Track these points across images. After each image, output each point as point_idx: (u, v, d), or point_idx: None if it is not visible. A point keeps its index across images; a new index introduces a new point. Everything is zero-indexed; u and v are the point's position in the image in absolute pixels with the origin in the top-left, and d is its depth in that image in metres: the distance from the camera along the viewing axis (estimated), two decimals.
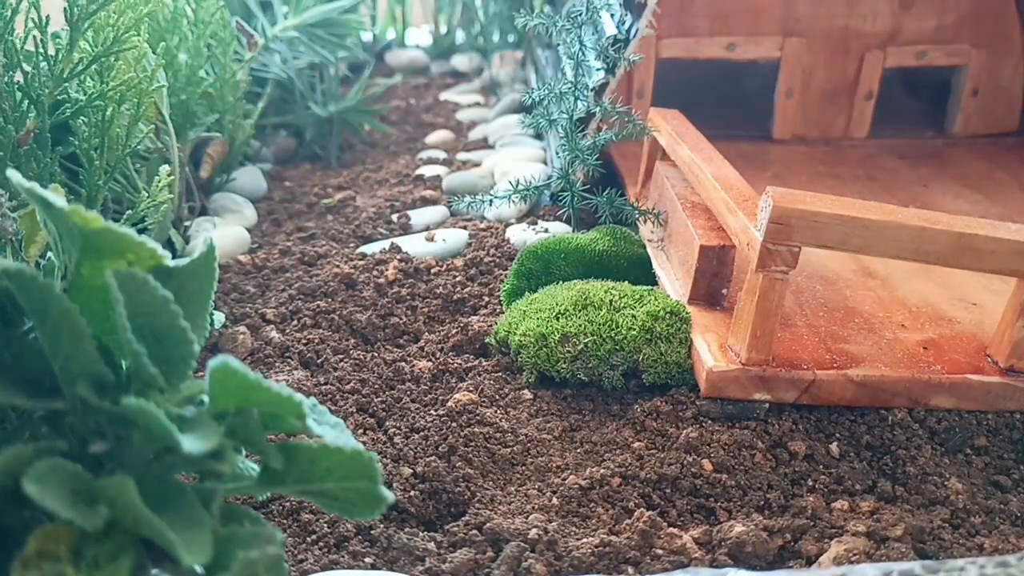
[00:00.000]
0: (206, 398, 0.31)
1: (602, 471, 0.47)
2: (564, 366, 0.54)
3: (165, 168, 0.58)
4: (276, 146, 0.97)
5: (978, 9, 0.87)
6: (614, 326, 0.54)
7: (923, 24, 0.87)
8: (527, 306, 0.57)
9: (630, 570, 0.41)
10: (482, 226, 0.74)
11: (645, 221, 0.67)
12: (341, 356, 0.57)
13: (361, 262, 0.68)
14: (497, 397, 0.53)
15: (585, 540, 0.42)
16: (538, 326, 0.55)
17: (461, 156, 0.93)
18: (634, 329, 0.53)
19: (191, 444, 0.28)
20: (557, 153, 0.82)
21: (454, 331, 0.60)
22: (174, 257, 0.38)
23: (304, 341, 0.58)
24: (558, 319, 0.55)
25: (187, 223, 0.75)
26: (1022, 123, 0.92)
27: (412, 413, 0.52)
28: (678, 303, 0.55)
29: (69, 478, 0.28)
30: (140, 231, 0.51)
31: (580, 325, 0.54)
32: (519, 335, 0.55)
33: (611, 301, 0.55)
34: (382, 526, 0.44)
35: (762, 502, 0.46)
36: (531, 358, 0.54)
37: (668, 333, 0.53)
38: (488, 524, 0.43)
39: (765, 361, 0.50)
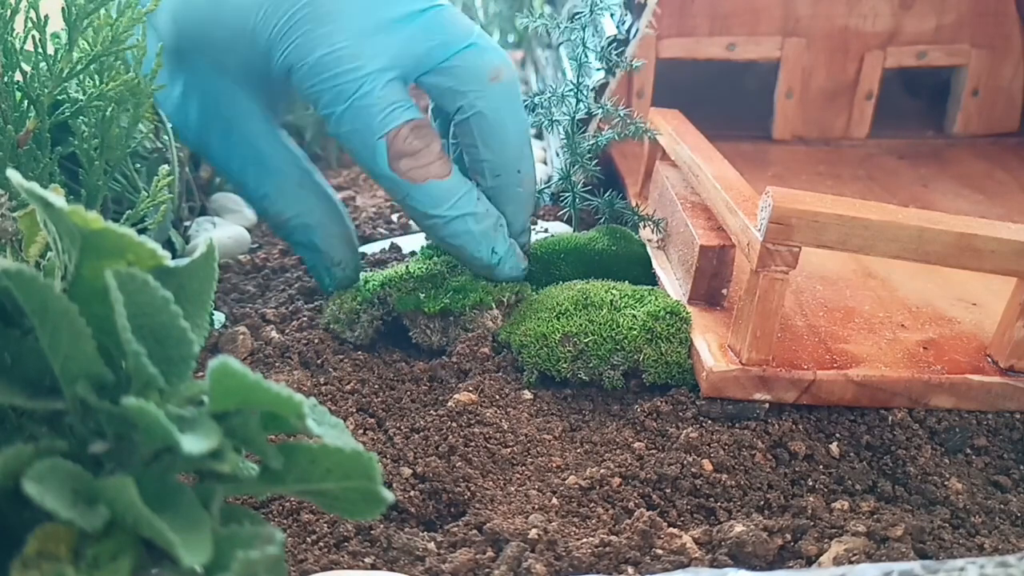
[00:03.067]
0: (206, 398, 0.31)
1: (602, 471, 0.47)
2: (565, 365, 0.54)
3: (164, 168, 0.58)
4: None
5: (978, 9, 0.87)
6: (615, 326, 0.54)
7: (923, 24, 0.87)
8: (527, 306, 0.57)
9: (630, 570, 0.41)
10: None
11: (645, 226, 0.67)
12: (341, 356, 0.57)
13: (361, 262, 0.68)
14: (497, 397, 0.53)
15: (585, 540, 0.42)
16: (538, 326, 0.55)
17: None
18: (635, 329, 0.54)
19: (191, 444, 0.28)
20: (557, 153, 0.82)
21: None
22: (174, 257, 0.38)
23: (304, 341, 0.58)
24: (559, 319, 0.55)
25: (187, 223, 0.75)
26: (1022, 123, 0.92)
27: (412, 413, 0.52)
28: (678, 303, 0.55)
29: (69, 478, 0.28)
30: (140, 231, 0.51)
31: (581, 325, 0.54)
32: (520, 335, 0.55)
33: (611, 301, 0.55)
34: (382, 526, 0.44)
35: (762, 502, 0.46)
36: (532, 358, 0.54)
37: (668, 333, 0.53)
38: (488, 524, 0.43)
39: (765, 361, 0.50)
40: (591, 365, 0.54)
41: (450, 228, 0.54)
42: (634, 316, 0.54)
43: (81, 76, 0.54)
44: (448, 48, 0.52)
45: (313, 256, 0.59)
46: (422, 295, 0.57)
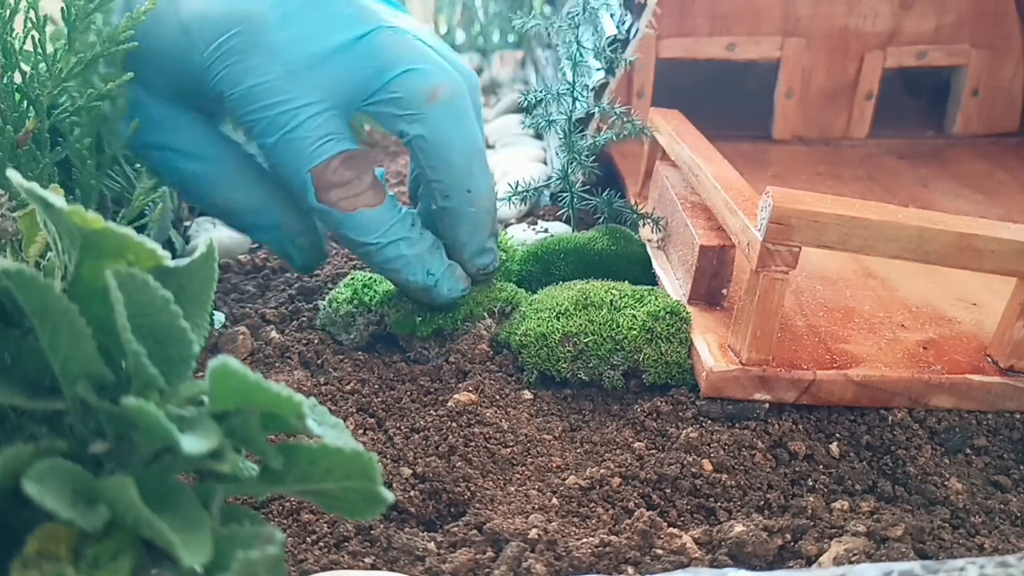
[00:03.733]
0: (206, 398, 0.31)
1: (602, 471, 0.47)
2: (565, 366, 0.54)
3: None
4: None
5: (978, 9, 0.87)
6: (615, 326, 0.54)
7: (923, 24, 0.87)
8: (527, 306, 0.58)
9: (630, 570, 0.41)
10: None
11: (644, 224, 0.67)
12: (341, 357, 0.57)
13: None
14: (497, 397, 0.53)
15: (585, 540, 0.42)
16: (538, 326, 0.55)
17: None
18: (635, 329, 0.54)
19: (191, 444, 0.28)
20: (557, 153, 0.82)
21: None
22: (174, 257, 0.38)
23: (304, 341, 0.58)
24: (559, 319, 0.55)
25: (187, 223, 0.75)
26: (1022, 123, 0.92)
27: (412, 413, 0.52)
28: (678, 303, 0.55)
29: (69, 478, 0.28)
30: (139, 229, 0.51)
31: (581, 325, 0.54)
32: (520, 335, 0.55)
33: (611, 301, 0.55)
34: (382, 526, 0.44)
35: (762, 502, 0.46)
36: (532, 358, 0.54)
37: (668, 333, 0.53)
38: (488, 524, 0.43)
39: (765, 361, 0.50)
40: (591, 365, 0.54)
41: (384, 254, 0.54)
42: (634, 316, 0.54)
43: (77, 77, 0.54)
44: (384, 75, 0.51)
45: (274, 234, 0.58)
46: (418, 318, 0.57)
